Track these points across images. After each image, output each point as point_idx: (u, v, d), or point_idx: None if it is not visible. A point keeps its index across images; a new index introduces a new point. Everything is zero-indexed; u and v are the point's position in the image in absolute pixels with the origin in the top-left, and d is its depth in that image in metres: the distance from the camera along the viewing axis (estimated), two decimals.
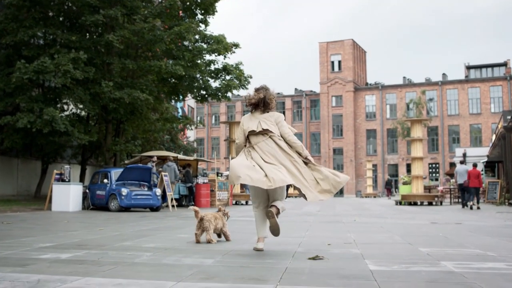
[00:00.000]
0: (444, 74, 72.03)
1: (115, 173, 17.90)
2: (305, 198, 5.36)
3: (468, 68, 71.68)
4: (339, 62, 74.47)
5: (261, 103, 5.76)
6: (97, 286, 3.53)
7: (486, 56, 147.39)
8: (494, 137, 35.11)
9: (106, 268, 4.31)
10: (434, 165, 68.26)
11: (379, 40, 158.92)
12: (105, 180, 17.78)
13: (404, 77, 74.19)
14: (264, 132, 5.61)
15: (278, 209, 5.49)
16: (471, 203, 19.58)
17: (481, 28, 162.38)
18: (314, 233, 8.33)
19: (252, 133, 5.64)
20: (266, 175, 5.24)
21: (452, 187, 29.38)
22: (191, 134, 53.68)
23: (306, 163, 5.57)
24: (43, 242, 6.51)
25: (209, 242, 6.42)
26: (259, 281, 3.77)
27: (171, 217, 13.17)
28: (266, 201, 5.72)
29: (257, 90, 5.87)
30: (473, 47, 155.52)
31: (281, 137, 5.65)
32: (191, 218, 12.85)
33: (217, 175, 27.31)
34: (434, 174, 67.03)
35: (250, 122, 5.72)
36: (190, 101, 54.43)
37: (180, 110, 44.39)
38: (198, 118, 78.91)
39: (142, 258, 5.01)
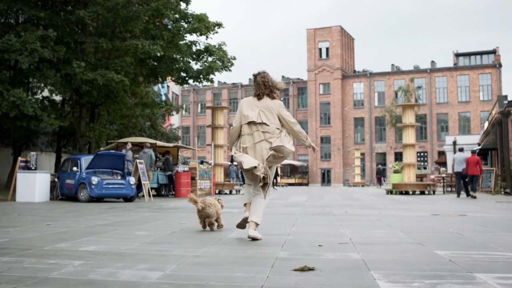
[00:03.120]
0: (432, 62, 70.99)
1: (86, 160, 16.47)
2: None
3: (457, 55, 70.63)
4: (327, 49, 73.10)
5: (262, 88, 5.71)
6: None
7: (474, 44, 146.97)
8: (486, 124, 34.02)
9: None
10: (422, 154, 67.29)
11: (367, 28, 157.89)
12: (75, 168, 16.35)
13: (392, 65, 73.07)
14: (261, 124, 5.57)
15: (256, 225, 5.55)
16: (473, 193, 18.39)
17: (469, 17, 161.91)
18: (301, 228, 7.01)
19: (250, 122, 5.58)
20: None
21: (444, 175, 28.25)
22: (175, 121, 52.14)
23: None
24: None
25: (210, 224, 6.40)
26: None
27: (142, 209, 11.81)
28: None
29: (257, 75, 5.81)
30: (461, 35, 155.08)
31: (283, 125, 5.67)
32: (164, 209, 11.51)
33: (201, 163, 26.00)
34: (422, 163, 66.07)
35: (250, 109, 5.65)
36: (174, 88, 52.90)
37: (164, 97, 42.82)
38: (184, 106, 77.33)
39: (64, 270, 3.64)
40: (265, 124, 5.55)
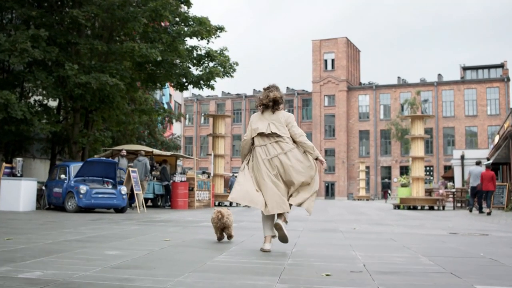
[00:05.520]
0: (439, 75, 69.96)
1: (75, 167, 15.45)
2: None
3: (464, 69, 69.59)
4: (332, 60, 72.16)
5: (271, 102, 5.71)
6: None
7: (482, 58, 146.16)
8: (497, 138, 32.95)
9: None
10: (428, 168, 66.01)
11: (373, 40, 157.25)
12: (63, 176, 15.33)
13: (398, 77, 72.03)
14: (272, 135, 5.58)
15: (286, 221, 5.59)
16: (487, 209, 17.30)
17: (476, 31, 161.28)
18: (304, 249, 5.95)
19: (261, 134, 5.61)
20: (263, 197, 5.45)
21: (453, 190, 27.14)
22: (177, 131, 51.18)
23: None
24: None
25: (230, 237, 6.44)
26: None
27: (130, 221, 10.76)
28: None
29: (266, 89, 5.81)
30: (469, 49, 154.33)
31: (291, 137, 5.64)
32: (154, 222, 10.48)
33: (203, 174, 25.06)
34: (428, 177, 64.85)
35: (260, 122, 5.69)
36: (177, 97, 51.96)
37: (166, 105, 41.91)
38: (187, 116, 76.30)
39: None
40: (276, 134, 5.56)
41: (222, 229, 6.31)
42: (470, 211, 18.89)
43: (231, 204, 24.25)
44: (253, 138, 5.72)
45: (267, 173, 5.46)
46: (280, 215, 5.58)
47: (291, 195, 5.55)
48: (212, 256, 5.06)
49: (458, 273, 4.27)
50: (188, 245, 6.10)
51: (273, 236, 5.59)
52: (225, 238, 6.51)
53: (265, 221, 5.58)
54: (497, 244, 7.23)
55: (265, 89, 5.83)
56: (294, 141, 5.66)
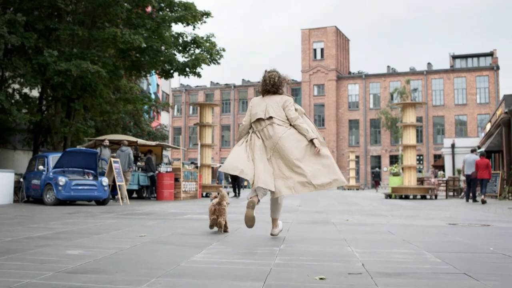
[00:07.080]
0: (429, 64, 69.54)
1: (54, 158, 14.73)
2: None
3: (454, 57, 69.23)
4: (322, 50, 71.50)
5: (268, 85, 5.74)
6: None
7: (471, 48, 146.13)
8: (488, 125, 32.53)
9: None
10: (418, 157, 65.69)
11: (363, 31, 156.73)
12: (41, 167, 14.61)
13: (388, 66, 71.50)
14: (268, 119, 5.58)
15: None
16: (482, 197, 16.80)
17: (465, 20, 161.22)
18: (293, 246, 5.32)
19: (259, 119, 5.61)
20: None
21: (445, 179, 26.69)
22: (165, 122, 50.33)
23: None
24: None
25: (221, 227, 6.29)
26: None
27: (109, 214, 10.09)
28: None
29: (266, 72, 5.83)
30: (458, 38, 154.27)
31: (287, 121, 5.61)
32: (134, 215, 9.83)
33: (190, 164, 24.41)
34: (418, 166, 64.49)
35: (258, 106, 5.71)
36: (165, 87, 51.08)
37: (153, 96, 41.05)
38: (174, 105, 75.32)
39: None
40: (272, 117, 5.54)
41: (218, 216, 6.23)
42: (467, 200, 18.38)
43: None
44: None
45: (260, 152, 5.49)
46: (273, 224, 5.90)
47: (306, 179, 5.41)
48: (188, 255, 4.43)
49: (473, 273, 3.67)
50: (164, 242, 5.47)
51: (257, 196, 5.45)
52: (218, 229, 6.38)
53: (252, 191, 5.51)
54: (502, 236, 6.67)
55: (266, 71, 5.85)
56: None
